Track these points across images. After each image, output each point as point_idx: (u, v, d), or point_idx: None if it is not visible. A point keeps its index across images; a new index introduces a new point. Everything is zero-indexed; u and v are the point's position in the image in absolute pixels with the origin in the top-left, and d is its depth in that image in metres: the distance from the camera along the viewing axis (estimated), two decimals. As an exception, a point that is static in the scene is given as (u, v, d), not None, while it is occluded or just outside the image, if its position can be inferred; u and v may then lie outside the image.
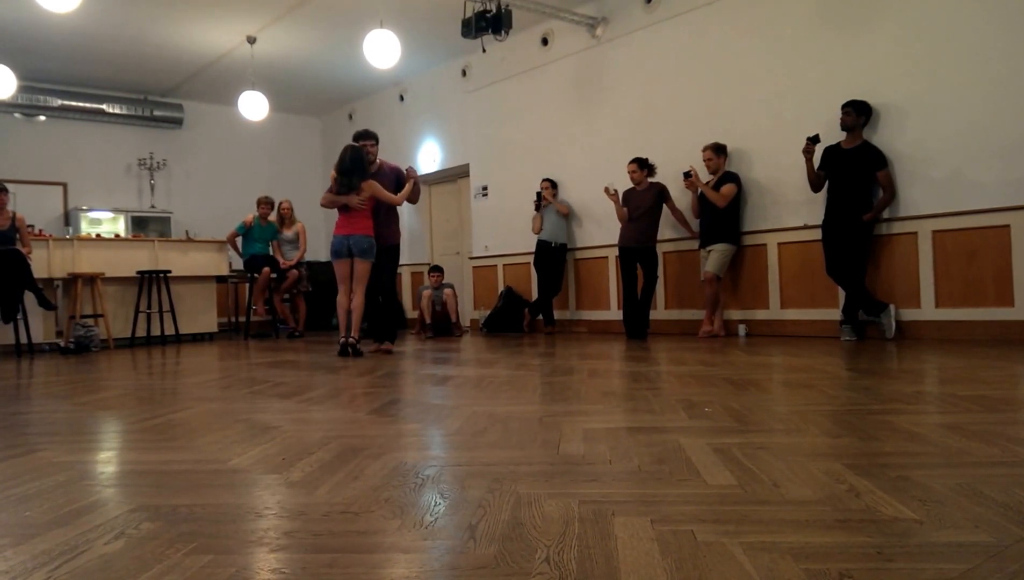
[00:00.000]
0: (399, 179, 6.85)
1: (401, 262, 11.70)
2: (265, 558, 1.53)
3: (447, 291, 9.42)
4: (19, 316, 7.95)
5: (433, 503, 1.87)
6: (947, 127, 6.09)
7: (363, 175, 6.49)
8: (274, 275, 9.91)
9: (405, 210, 11.85)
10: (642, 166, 7.80)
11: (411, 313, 11.43)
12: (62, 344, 8.42)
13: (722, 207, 7.16)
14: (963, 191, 6.02)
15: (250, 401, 3.95)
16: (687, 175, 7.38)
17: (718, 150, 7.35)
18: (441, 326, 9.38)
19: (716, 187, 7.23)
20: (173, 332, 9.31)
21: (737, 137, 7.44)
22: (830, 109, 6.59)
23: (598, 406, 3.34)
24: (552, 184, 9.11)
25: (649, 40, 8.32)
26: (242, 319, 10.85)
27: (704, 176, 7.42)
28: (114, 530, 1.73)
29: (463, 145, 10.90)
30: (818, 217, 6.67)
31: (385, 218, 6.82)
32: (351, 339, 6.42)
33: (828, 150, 6.55)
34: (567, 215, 9.08)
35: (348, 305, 6.51)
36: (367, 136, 6.79)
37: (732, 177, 7.23)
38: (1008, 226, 5.80)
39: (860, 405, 3.15)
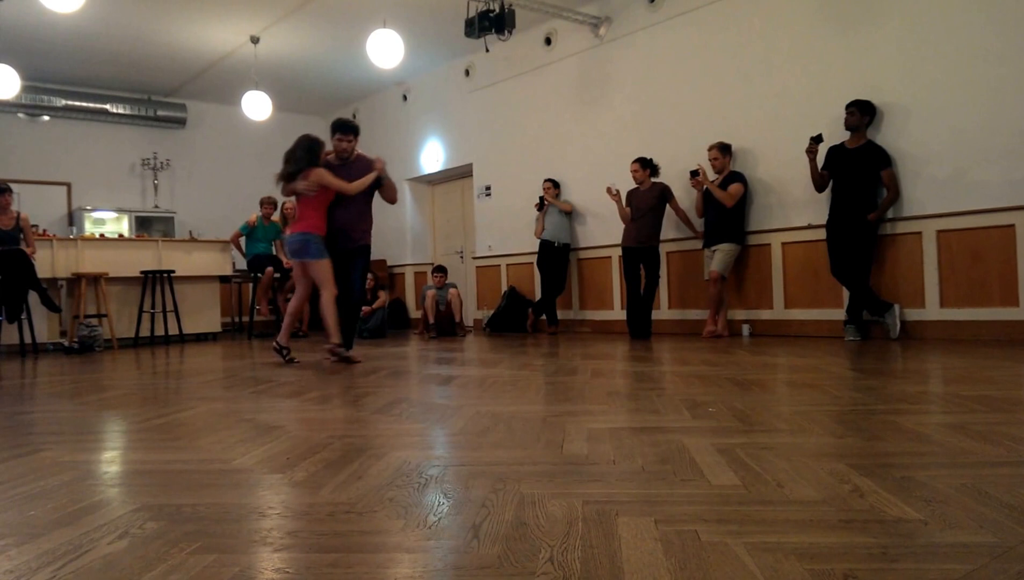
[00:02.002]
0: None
1: (404, 262, 11.85)
2: (269, 558, 1.53)
3: (452, 291, 9.42)
4: (23, 316, 7.97)
5: (437, 503, 1.87)
6: (951, 127, 6.07)
7: (303, 165, 5.88)
8: (277, 275, 9.92)
9: (407, 210, 11.91)
10: (644, 165, 7.79)
11: (414, 313, 11.43)
12: (66, 344, 8.44)
13: (730, 206, 7.14)
14: (967, 191, 6.00)
15: (254, 401, 3.95)
16: (695, 173, 7.36)
17: (724, 149, 7.34)
18: (444, 326, 9.38)
19: (722, 187, 7.22)
20: (177, 332, 9.33)
21: (741, 136, 7.43)
22: (834, 109, 6.58)
23: (602, 406, 3.34)
24: (554, 184, 9.11)
25: (652, 39, 8.31)
26: (245, 319, 10.86)
27: (710, 175, 7.41)
28: (118, 530, 1.73)
29: (466, 145, 10.89)
30: (822, 217, 6.66)
31: (357, 214, 6.08)
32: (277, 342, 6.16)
33: (832, 150, 6.53)
34: (570, 213, 9.08)
35: (297, 310, 6.24)
36: (344, 128, 6.04)
37: (739, 177, 7.22)
38: (1013, 226, 5.78)
39: (864, 405, 3.14)
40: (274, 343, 6.19)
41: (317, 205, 5.92)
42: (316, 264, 5.85)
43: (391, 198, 6.20)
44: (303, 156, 5.89)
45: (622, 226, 7.96)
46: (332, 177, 5.85)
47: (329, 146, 6.12)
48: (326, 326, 5.91)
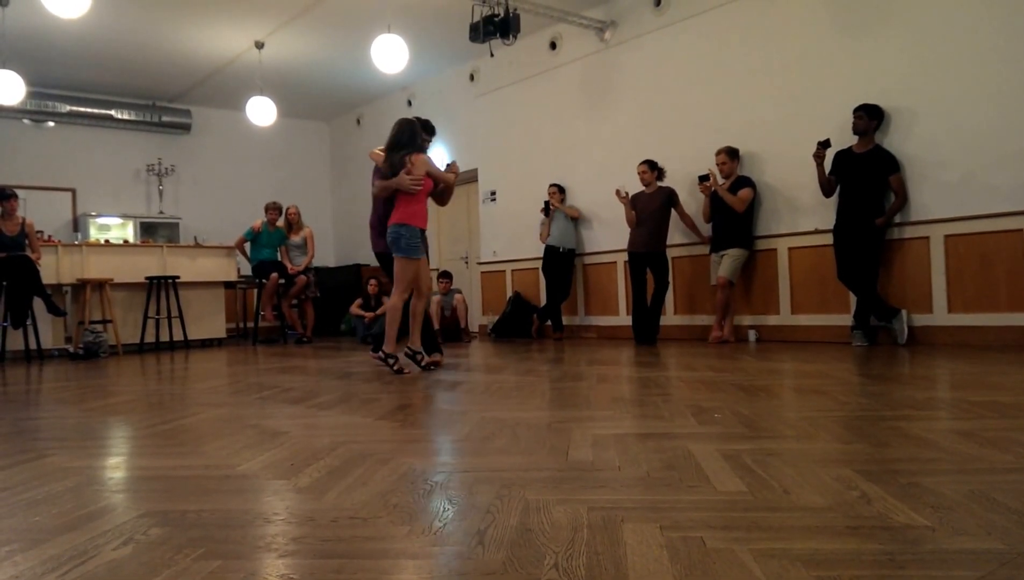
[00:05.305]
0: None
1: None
2: (273, 563, 1.53)
3: (457, 297, 9.41)
4: (28, 322, 7.98)
5: (441, 509, 1.87)
6: (959, 131, 6.05)
7: (413, 149, 5.36)
8: (282, 281, 9.93)
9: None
10: (652, 168, 7.77)
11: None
12: (71, 350, 8.45)
13: (741, 212, 7.12)
14: (975, 195, 5.98)
15: (258, 407, 3.95)
16: (704, 178, 7.33)
17: (732, 154, 7.30)
18: (449, 332, 9.37)
19: (731, 192, 7.18)
20: (182, 338, 9.34)
21: (748, 141, 7.42)
22: (842, 113, 6.56)
23: (607, 412, 3.33)
24: (560, 189, 9.10)
25: (658, 44, 8.31)
26: (250, 325, 10.87)
27: (718, 180, 7.38)
28: (123, 535, 1.73)
29: (471, 150, 10.89)
30: (829, 222, 6.64)
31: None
32: (380, 353, 5.44)
33: (840, 154, 6.51)
34: (577, 219, 9.06)
35: (419, 310, 5.53)
36: (430, 130, 5.89)
37: (748, 181, 7.19)
38: (1021, 230, 5.75)
39: (871, 411, 3.13)
40: (406, 350, 5.49)
41: (421, 196, 5.39)
42: (406, 263, 5.32)
43: (445, 202, 5.95)
44: (411, 142, 5.38)
45: (627, 231, 7.94)
46: (434, 165, 5.42)
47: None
48: (387, 332, 5.40)
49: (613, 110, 8.85)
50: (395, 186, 5.32)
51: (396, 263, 5.35)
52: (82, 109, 11.24)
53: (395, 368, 5.31)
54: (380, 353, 5.42)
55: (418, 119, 5.80)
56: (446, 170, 5.70)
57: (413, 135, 5.43)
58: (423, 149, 5.56)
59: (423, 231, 5.42)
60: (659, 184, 7.82)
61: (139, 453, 2.86)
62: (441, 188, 5.61)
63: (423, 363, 5.51)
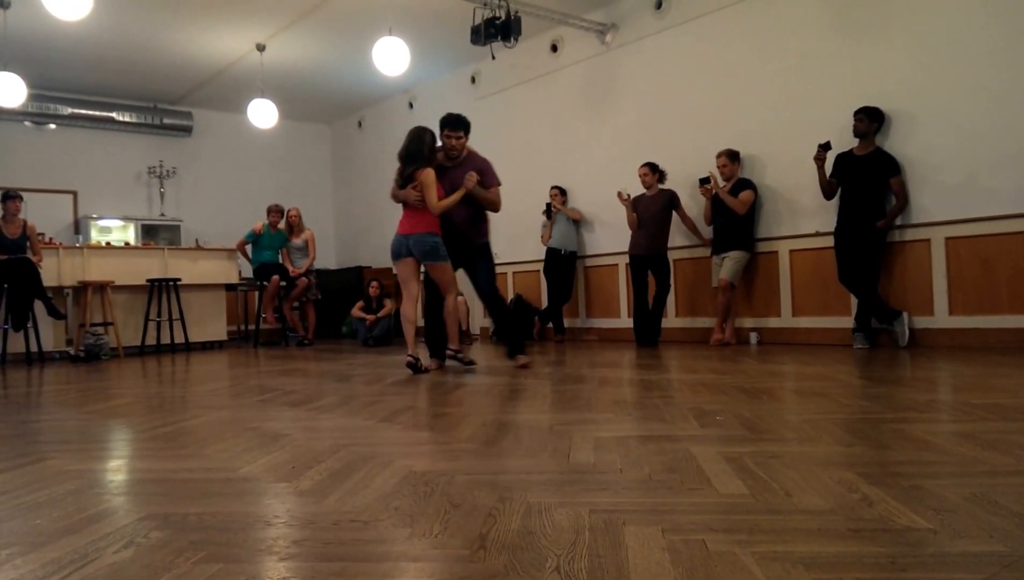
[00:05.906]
0: (485, 173, 5.77)
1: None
2: (274, 567, 1.53)
3: (460, 299, 9.37)
4: (29, 324, 7.98)
5: (443, 512, 1.87)
6: (960, 133, 6.05)
7: (420, 163, 5.51)
8: (283, 283, 9.93)
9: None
10: (653, 170, 7.77)
11: (420, 321, 11.40)
12: (72, 352, 8.45)
13: (742, 214, 7.12)
14: (976, 198, 5.98)
15: (260, 409, 3.95)
16: (705, 181, 7.33)
17: (732, 156, 7.30)
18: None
19: (732, 194, 7.18)
20: (183, 340, 9.34)
21: (749, 143, 7.42)
22: (842, 116, 6.56)
23: (608, 415, 3.33)
24: (561, 191, 9.10)
25: (659, 46, 8.32)
26: (251, 327, 10.87)
27: (719, 183, 7.38)
28: (124, 538, 1.73)
29: (472, 152, 10.87)
30: (830, 224, 6.64)
31: (474, 212, 5.83)
32: (449, 350, 5.70)
33: (840, 157, 6.52)
34: (578, 221, 9.06)
35: (412, 315, 5.70)
36: (453, 124, 5.69)
37: (749, 184, 7.20)
38: (1022, 233, 5.75)
39: (873, 414, 3.13)
40: (408, 358, 5.48)
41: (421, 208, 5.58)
42: (446, 267, 5.65)
43: (491, 209, 5.99)
44: (416, 154, 5.54)
45: (629, 233, 7.94)
46: (432, 190, 5.46)
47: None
48: (449, 331, 5.74)
49: (614, 112, 8.85)
50: (403, 198, 5.64)
51: (438, 270, 5.68)
52: (83, 111, 11.23)
53: (466, 361, 5.76)
54: (449, 350, 5.78)
55: (450, 114, 5.79)
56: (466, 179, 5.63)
57: (420, 147, 5.57)
58: (432, 161, 5.61)
59: None
60: (660, 186, 7.82)
61: (140, 456, 2.86)
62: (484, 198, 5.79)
63: (423, 368, 5.58)
